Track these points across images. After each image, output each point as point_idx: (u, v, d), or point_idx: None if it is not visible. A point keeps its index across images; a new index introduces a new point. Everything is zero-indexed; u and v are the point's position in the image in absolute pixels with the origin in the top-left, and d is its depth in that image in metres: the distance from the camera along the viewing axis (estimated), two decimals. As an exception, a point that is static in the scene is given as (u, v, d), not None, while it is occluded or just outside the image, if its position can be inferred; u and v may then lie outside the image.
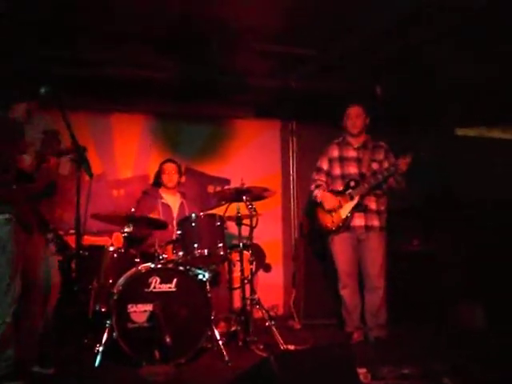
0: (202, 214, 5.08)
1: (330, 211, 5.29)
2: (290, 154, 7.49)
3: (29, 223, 3.97)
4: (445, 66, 5.96)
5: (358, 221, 5.26)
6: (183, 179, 6.09)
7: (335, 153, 5.45)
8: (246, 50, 5.64)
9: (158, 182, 6.01)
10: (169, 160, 6.07)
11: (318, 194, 5.39)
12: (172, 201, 5.92)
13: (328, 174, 5.47)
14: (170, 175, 5.93)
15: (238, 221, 5.34)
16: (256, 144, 7.29)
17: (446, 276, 6.39)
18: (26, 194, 3.96)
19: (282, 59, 5.96)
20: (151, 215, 5.53)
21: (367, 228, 5.25)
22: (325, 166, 5.48)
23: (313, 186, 5.49)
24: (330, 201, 5.30)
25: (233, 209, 5.40)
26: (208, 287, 4.86)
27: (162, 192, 5.94)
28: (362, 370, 3.76)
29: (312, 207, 5.58)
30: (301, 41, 5.54)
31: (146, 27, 5.12)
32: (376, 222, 5.28)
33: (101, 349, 4.39)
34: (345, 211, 5.26)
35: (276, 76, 6.38)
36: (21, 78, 5.51)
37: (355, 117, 5.37)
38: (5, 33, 5.03)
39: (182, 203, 5.94)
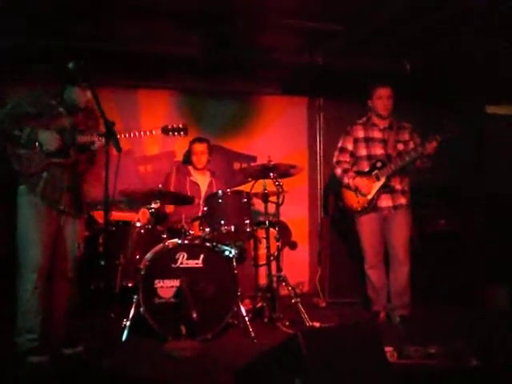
0: (228, 190, 5.07)
1: (365, 195, 5.23)
2: (317, 131, 7.42)
3: (56, 199, 4.00)
4: (476, 43, 5.84)
5: (385, 202, 5.21)
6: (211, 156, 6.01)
7: (360, 133, 5.37)
8: (272, 25, 5.58)
9: (187, 160, 5.99)
10: (198, 139, 5.97)
11: (350, 181, 5.28)
12: (201, 179, 5.92)
13: (352, 154, 5.40)
14: (200, 156, 5.88)
15: (265, 198, 5.33)
16: (282, 120, 7.25)
17: (471, 256, 6.33)
18: (56, 169, 4.01)
19: (309, 35, 5.87)
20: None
21: (395, 207, 5.21)
22: (349, 146, 5.40)
23: (339, 170, 5.39)
24: (365, 185, 5.22)
25: (259, 186, 5.38)
26: (234, 264, 4.86)
27: (192, 170, 5.94)
28: (388, 349, 3.75)
29: (337, 187, 5.51)
30: (328, 16, 5.45)
31: (172, 3, 5.07)
32: (403, 201, 5.24)
33: (128, 324, 4.44)
34: (371, 192, 5.21)
35: (303, 52, 6.30)
36: (47, 53, 5.58)
37: (386, 98, 5.27)
38: (30, 8, 5.03)
39: (210, 182, 5.93)
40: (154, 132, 4.28)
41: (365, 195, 5.22)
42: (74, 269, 4.16)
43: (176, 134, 4.30)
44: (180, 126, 4.30)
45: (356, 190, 5.26)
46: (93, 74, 3.89)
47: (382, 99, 5.27)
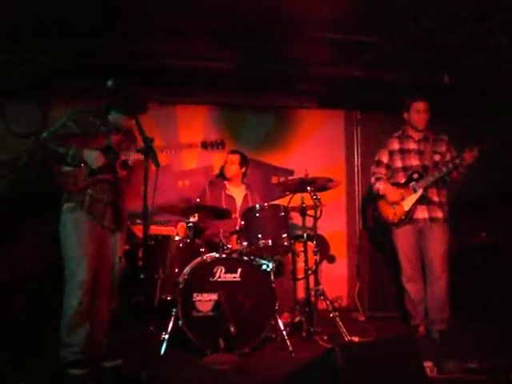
0: (266, 204, 5.08)
1: (393, 204, 5.21)
2: (355, 144, 7.41)
3: (101, 214, 4.08)
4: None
5: (421, 213, 5.17)
6: (245, 170, 6.05)
7: (395, 145, 5.36)
8: (308, 38, 5.58)
9: (222, 175, 6.07)
10: (232, 151, 6.09)
11: (380, 186, 5.31)
12: (236, 192, 5.95)
13: (388, 167, 5.39)
14: (229, 166, 5.96)
15: (302, 211, 5.33)
16: (320, 134, 7.25)
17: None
18: (102, 185, 4.10)
19: (346, 48, 5.86)
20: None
21: (431, 220, 5.16)
22: (385, 159, 5.40)
23: (373, 179, 5.42)
24: (393, 193, 5.22)
25: (297, 199, 5.38)
26: (272, 277, 4.86)
27: (227, 183, 5.98)
28: (427, 364, 3.72)
29: (374, 200, 5.49)
30: (365, 28, 5.43)
31: (208, 19, 5.12)
32: (440, 214, 5.18)
33: (166, 337, 4.48)
34: (408, 204, 5.17)
35: (340, 65, 6.29)
36: (87, 71, 5.71)
37: (423, 112, 5.24)
38: (69, 26, 5.15)
39: (246, 195, 5.96)
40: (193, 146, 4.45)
41: (391, 204, 5.21)
42: (114, 283, 4.23)
43: (214, 147, 4.49)
44: (218, 141, 4.50)
45: (384, 197, 5.25)
46: (131, 91, 3.98)
47: (419, 113, 5.25)
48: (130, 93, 3.98)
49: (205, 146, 4.42)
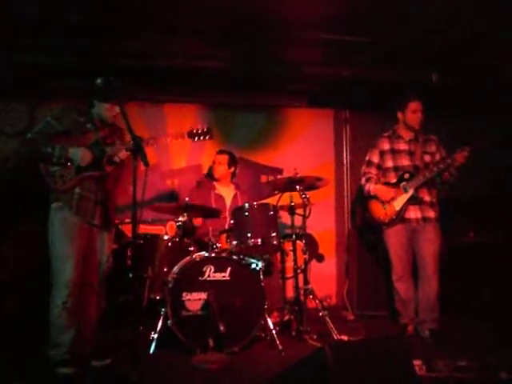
0: (255, 203, 5.08)
1: (384, 203, 5.22)
2: (344, 143, 7.42)
3: (90, 213, 4.06)
4: (505, 53, 5.79)
5: (414, 213, 5.17)
6: (234, 169, 6.03)
7: (386, 146, 5.36)
8: (299, 38, 5.59)
9: (211, 174, 6.06)
10: (220, 151, 6.07)
11: (371, 187, 5.31)
12: (225, 192, 5.94)
13: (379, 167, 5.39)
14: (217, 166, 5.94)
15: (291, 210, 5.33)
16: (309, 133, 7.25)
17: (500, 268, 6.23)
18: (89, 183, 4.07)
19: (336, 47, 5.86)
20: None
21: (424, 219, 5.17)
22: (375, 159, 5.40)
23: (363, 180, 5.42)
24: (384, 193, 5.23)
25: (286, 198, 5.38)
26: (261, 276, 4.85)
27: (216, 183, 5.97)
28: (417, 362, 3.72)
29: (364, 199, 5.49)
30: (355, 29, 5.44)
31: (200, 19, 5.11)
32: (432, 214, 5.20)
33: (155, 336, 4.46)
34: (398, 203, 5.18)
35: (329, 64, 6.28)
36: (76, 70, 5.68)
37: (419, 112, 5.24)
38: (60, 26, 5.12)
39: (235, 194, 5.95)
40: (179, 137, 4.32)
41: (383, 202, 5.22)
42: (102, 282, 4.21)
43: (202, 138, 4.33)
44: (204, 129, 4.33)
45: (375, 197, 5.26)
46: (121, 89, 3.95)
47: (415, 113, 5.24)
48: (108, 80, 3.94)
49: (192, 136, 4.30)
